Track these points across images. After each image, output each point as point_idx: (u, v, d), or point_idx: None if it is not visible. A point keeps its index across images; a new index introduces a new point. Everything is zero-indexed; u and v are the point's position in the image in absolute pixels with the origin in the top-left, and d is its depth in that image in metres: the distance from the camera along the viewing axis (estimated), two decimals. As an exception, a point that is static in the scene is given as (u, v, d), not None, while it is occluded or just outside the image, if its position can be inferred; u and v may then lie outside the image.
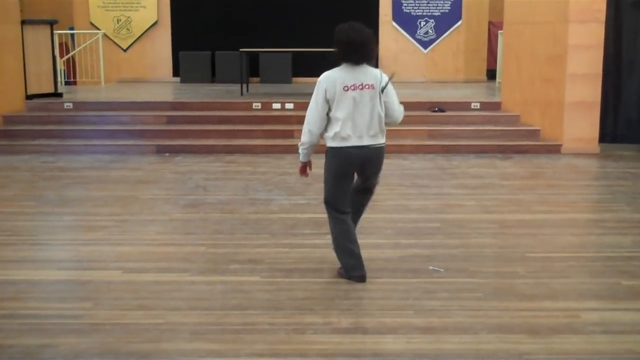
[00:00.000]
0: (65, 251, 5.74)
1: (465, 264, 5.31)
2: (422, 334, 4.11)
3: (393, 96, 4.78)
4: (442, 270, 5.14)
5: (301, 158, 4.92)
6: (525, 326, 4.20)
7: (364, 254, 5.43)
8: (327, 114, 4.70)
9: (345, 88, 4.60)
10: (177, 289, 4.81)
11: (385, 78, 4.71)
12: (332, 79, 4.64)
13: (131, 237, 6.04)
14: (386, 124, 4.81)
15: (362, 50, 4.62)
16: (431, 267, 5.17)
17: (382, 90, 4.67)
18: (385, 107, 4.73)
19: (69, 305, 4.55)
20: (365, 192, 5.07)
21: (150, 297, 4.68)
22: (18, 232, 6.23)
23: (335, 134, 4.65)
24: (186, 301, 4.60)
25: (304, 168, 4.98)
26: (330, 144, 4.72)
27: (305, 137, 4.76)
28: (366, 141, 4.67)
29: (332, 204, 4.89)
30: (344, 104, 4.61)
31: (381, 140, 4.76)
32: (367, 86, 4.62)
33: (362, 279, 4.89)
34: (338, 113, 4.62)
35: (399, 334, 4.09)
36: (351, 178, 4.87)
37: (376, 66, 15.23)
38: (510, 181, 8.29)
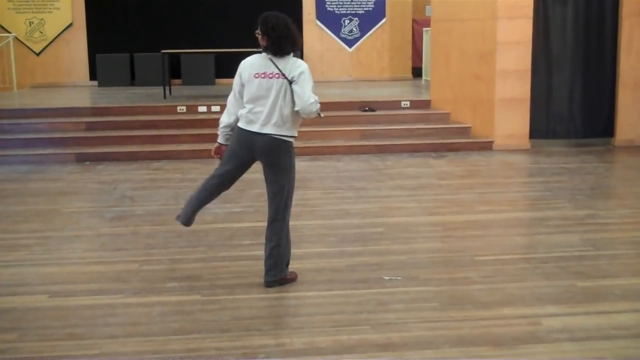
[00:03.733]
0: (-17, 275, 5.24)
1: (416, 271, 5.09)
2: (381, 351, 3.85)
3: (304, 84, 4.59)
4: (399, 278, 4.90)
5: (219, 139, 4.90)
6: (488, 337, 3.99)
7: (308, 264, 5.26)
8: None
9: (256, 75, 4.64)
10: (111, 314, 4.41)
11: (300, 69, 4.59)
12: (247, 64, 4.71)
13: (56, 256, 5.57)
14: (300, 113, 4.62)
15: (278, 42, 4.60)
16: (386, 278, 4.92)
17: (291, 82, 4.57)
18: (294, 94, 4.59)
19: (-10, 338, 4.10)
20: (270, 209, 4.80)
21: (82, 324, 4.27)
22: None
23: (242, 115, 4.70)
24: (122, 327, 4.21)
25: (219, 149, 4.92)
26: (238, 123, 4.75)
27: (224, 116, 4.85)
28: (268, 129, 4.62)
29: (214, 173, 4.89)
30: (251, 89, 4.64)
31: (284, 132, 4.65)
32: (276, 75, 4.59)
33: (179, 218, 5.09)
34: (245, 97, 4.68)
35: (358, 353, 3.83)
36: (241, 164, 4.78)
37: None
38: (447, 180, 8.15)
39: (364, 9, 15.81)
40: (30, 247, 5.80)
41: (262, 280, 4.82)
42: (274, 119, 4.60)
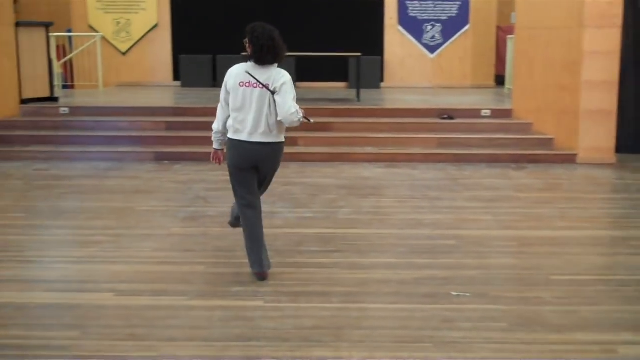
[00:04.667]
0: (55, 270, 5.32)
1: (486, 287, 4.90)
2: (443, 371, 3.71)
3: (286, 96, 4.75)
4: (467, 294, 4.74)
5: (214, 145, 5.11)
6: (558, 363, 3.80)
7: (375, 274, 5.13)
8: None
9: (241, 84, 4.79)
10: (173, 316, 4.41)
11: (283, 80, 4.74)
12: (233, 73, 4.86)
13: (125, 255, 5.63)
14: (283, 122, 4.81)
15: (260, 52, 4.77)
16: (454, 293, 4.75)
17: (273, 92, 4.74)
18: (276, 104, 4.76)
19: (54, 334, 4.14)
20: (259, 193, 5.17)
21: (144, 324, 4.27)
22: (5, 248, 5.80)
23: (230, 126, 4.88)
24: (182, 330, 4.20)
25: (215, 155, 5.15)
26: (228, 134, 4.93)
27: (214, 124, 5.01)
28: (256, 138, 4.80)
29: (235, 194, 5.06)
30: (236, 98, 4.80)
31: (274, 139, 4.87)
32: (259, 85, 4.75)
33: (258, 277, 5.00)
34: (231, 106, 4.84)
35: (419, 372, 3.70)
36: (249, 171, 4.93)
37: (381, 71, 15.06)
38: (526, 193, 7.88)
39: (447, 14, 15.57)
40: (102, 244, 5.88)
41: (325, 289, 4.77)
42: (262, 127, 4.78)
